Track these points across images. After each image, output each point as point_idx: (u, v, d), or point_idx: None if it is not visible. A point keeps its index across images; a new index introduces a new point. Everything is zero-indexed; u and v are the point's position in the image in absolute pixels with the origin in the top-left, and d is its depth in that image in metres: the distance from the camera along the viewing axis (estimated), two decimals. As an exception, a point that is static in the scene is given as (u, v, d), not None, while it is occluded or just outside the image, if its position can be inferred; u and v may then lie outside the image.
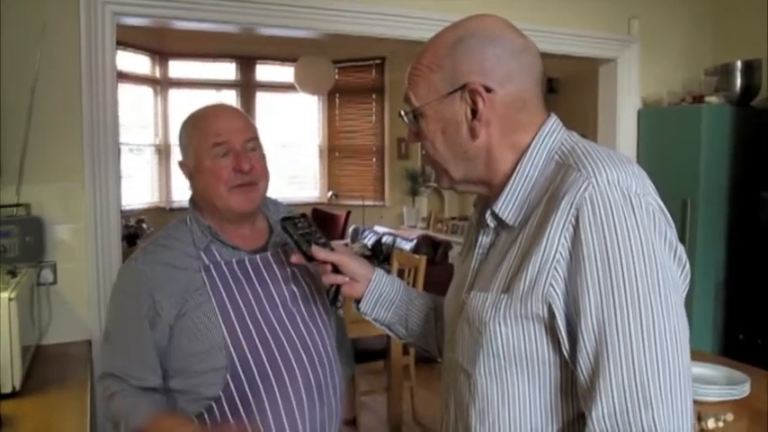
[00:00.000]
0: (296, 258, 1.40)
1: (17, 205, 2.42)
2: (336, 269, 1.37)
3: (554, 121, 1.11)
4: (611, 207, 0.95)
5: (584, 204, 0.96)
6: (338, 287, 1.39)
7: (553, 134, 1.09)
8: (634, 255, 0.93)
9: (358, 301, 1.42)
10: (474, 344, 1.08)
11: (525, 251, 1.02)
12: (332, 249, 1.38)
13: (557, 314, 0.98)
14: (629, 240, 0.94)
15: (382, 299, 1.41)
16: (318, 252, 1.36)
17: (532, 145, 1.08)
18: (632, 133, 3.91)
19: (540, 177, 1.06)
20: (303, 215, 1.46)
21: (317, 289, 1.59)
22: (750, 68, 3.71)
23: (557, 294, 0.98)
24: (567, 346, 0.99)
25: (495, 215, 1.10)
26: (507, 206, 1.08)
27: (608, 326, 0.94)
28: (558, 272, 0.98)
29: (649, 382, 0.92)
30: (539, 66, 1.11)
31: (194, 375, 1.45)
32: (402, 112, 1.16)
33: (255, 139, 1.53)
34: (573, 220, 0.96)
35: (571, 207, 0.97)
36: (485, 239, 1.15)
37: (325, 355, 1.54)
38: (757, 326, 3.56)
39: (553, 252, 0.98)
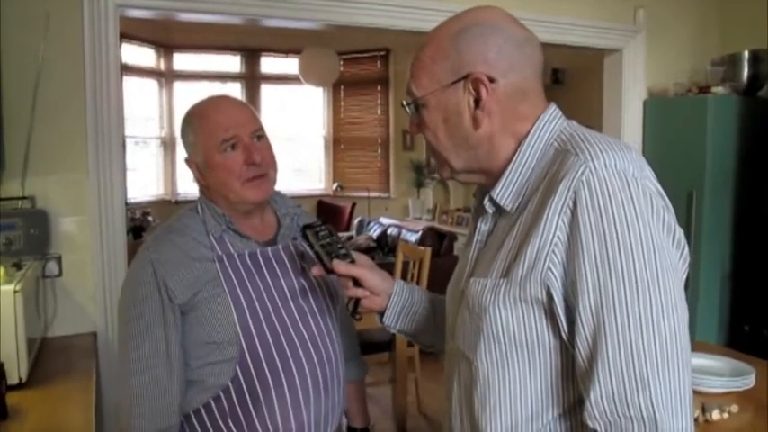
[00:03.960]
0: (316, 270, 1.39)
1: (22, 198, 2.43)
2: (357, 282, 1.37)
3: (553, 110, 1.12)
4: (608, 190, 0.95)
5: (581, 188, 0.96)
6: (358, 300, 1.38)
7: (552, 122, 1.10)
8: (631, 237, 0.94)
9: (380, 314, 1.42)
10: (475, 330, 1.09)
11: (523, 236, 1.02)
12: (352, 261, 1.37)
13: (555, 297, 0.99)
14: (627, 223, 0.94)
15: (405, 311, 1.42)
16: (339, 266, 1.34)
17: (531, 132, 1.09)
18: (638, 124, 3.89)
19: (539, 164, 1.07)
20: (324, 222, 1.44)
21: (327, 284, 1.60)
22: (757, 59, 3.68)
23: (555, 277, 0.99)
24: (566, 329, 1.00)
25: (493, 201, 1.11)
26: (505, 192, 1.09)
27: (605, 308, 0.94)
28: (556, 255, 0.98)
29: (647, 363, 0.93)
30: (540, 57, 1.12)
31: (204, 365, 1.46)
32: (404, 103, 1.16)
33: (261, 129, 1.53)
34: (571, 204, 0.97)
35: (569, 191, 0.97)
36: (483, 227, 1.16)
37: (332, 348, 1.55)
38: (763, 317, 3.55)
39: (551, 236, 0.98)
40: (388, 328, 1.43)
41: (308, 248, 1.44)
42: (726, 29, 4.02)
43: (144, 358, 1.43)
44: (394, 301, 1.40)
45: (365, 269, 1.37)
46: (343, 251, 1.38)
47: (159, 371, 1.43)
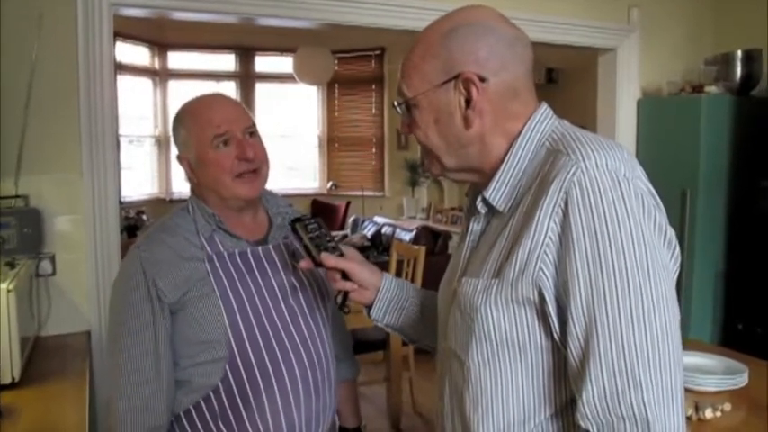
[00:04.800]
0: (305, 263, 1.39)
1: (15, 197, 2.41)
2: (345, 275, 1.37)
3: (545, 109, 1.12)
4: (599, 190, 0.95)
5: (572, 188, 0.96)
6: (346, 293, 1.38)
7: (544, 122, 1.10)
8: (623, 237, 0.94)
9: (368, 308, 1.42)
10: (466, 330, 1.09)
11: (515, 236, 1.03)
12: (341, 254, 1.37)
13: (547, 297, 0.99)
14: (618, 223, 0.94)
15: (392, 305, 1.42)
16: (328, 259, 1.34)
17: (523, 132, 1.09)
18: (632, 123, 3.89)
19: (531, 164, 1.07)
20: (314, 216, 1.44)
21: (318, 283, 1.59)
22: (750, 58, 3.69)
23: (547, 278, 0.99)
24: (558, 330, 1.00)
25: (485, 201, 1.11)
26: (498, 192, 1.09)
27: (597, 308, 0.95)
28: (547, 255, 0.99)
29: (639, 363, 0.93)
30: (530, 56, 1.12)
31: (193, 365, 1.46)
32: (395, 103, 1.16)
33: (253, 125, 1.53)
34: (562, 204, 0.97)
35: (560, 191, 0.97)
36: (476, 227, 1.16)
37: (323, 349, 1.55)
38: (756, 315, 3.56)
39: (543, 236, 0.98)
40: (375, 321, 1.44)
41: (296, 242, 1.44)
42: (720, 28, 4.03)
43: (132, 357, 1.43)
44: (382, 294, 1.40)
45: (354, 262, 1.37)
46: (331, 244, 1.38)
47: (148, 370, 1.42)
